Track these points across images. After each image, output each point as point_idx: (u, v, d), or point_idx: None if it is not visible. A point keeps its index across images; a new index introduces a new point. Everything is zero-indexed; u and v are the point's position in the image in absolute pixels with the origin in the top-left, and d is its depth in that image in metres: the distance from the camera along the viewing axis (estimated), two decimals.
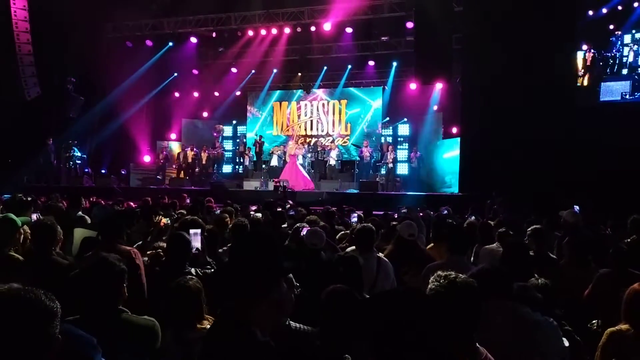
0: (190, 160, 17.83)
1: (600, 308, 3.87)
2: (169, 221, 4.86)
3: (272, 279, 1.65)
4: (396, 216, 7.70)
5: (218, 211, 6.96)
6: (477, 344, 1.93)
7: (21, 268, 3.17)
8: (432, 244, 5.13)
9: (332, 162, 17.17)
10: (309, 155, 17.69)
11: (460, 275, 1.95)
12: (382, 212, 8.39)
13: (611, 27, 13.22)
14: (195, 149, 18.20)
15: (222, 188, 14.74)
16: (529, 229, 4.81)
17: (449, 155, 16.60)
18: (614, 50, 13.15)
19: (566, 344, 2.54)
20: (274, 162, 17.65)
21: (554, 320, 2.55)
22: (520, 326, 2.39)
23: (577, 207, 7.56)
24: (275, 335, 2.34)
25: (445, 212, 8.78)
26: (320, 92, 19.83)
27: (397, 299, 1.66)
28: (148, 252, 3.80)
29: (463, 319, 1.87)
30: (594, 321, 3.80)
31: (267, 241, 1.75)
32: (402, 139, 19.15)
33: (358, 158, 17.43)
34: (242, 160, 18.91)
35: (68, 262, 3.44)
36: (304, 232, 4.46)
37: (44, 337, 1.46)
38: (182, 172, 17.93)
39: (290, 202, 10.29)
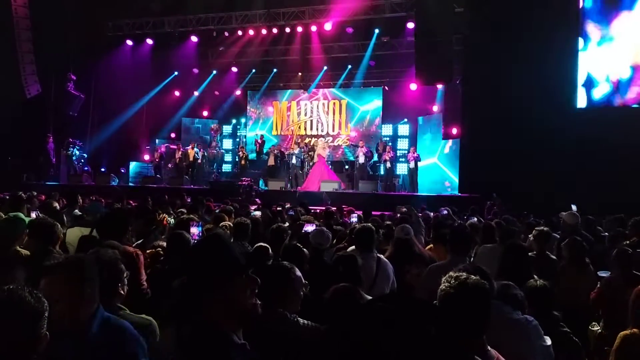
0: (192, 159, 17.82)
1: (605, 311, 3.87)
2: (172, 220, 4.87)
3: (222, 276, 1.58)
4: (398, 216, 7.70)
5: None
6: (489, 347, 1.92)
7: (27, 263, 3.17)
8: (431, 245, 5.13)
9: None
10: (303, 155, 17.62)
11: (472, 276, 1.94)
12: (379, 213, 8.39)
13: None
14: (195, 148, 18.20)
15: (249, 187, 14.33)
16: (535, 230, 4.81)
17: (447, 156, 16.64)
18: None
19: (548, 342, 2.54)
20: (271, 161, 17.63)
21: (534, 320, 2.55)
22: (499, 325, 2.39)
23: (574, 207, 7.57)
24: (283, 331, 2.35)
25: (445, 212, 8.78)
26: (320, 92, 19.84)
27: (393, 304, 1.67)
28: (148, 251, 3.80)
29: (473, 320, 1.87)
30: (594, 323, 3.81)
31: (215, 239, 1.68)
32: (401, 140, 19.15)
33: (355, 157, 17.38)
34: (241, 159, 18.89)
35: None
36: (307, 228, 4.48)
37: (31, 336, 1.49)
38: (181, 171, 17.90)
39: (258, 200, 10.21)
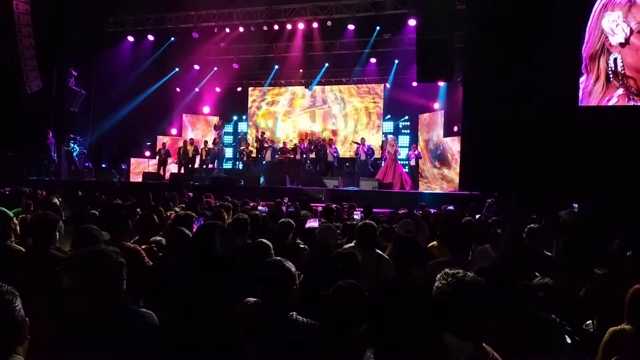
0: (190, 155, 17.82)
1: (596, 309, 3.86)
2: None
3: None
4: (400, 212, 7.70)
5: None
6: (484, 344, 1.92)
7: (19, 259, 3.16)
8: (435, 242, 5.11)
9: (330, 158, 17.10)
10: (312, 152, 17.60)
11: (468, 273, 1.92)
12: (381, 210, 8.40)
13: None
14: (195, 144, 18.19)
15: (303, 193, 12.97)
16: (526, 228, 4.80)
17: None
18: None
19: (569, 341, 2.55)
20: (268, 157, 17.63)
21: (557, 318, 2.55)
22: (525, 324, 2.38)
23: (576, 205, 7.56)
24: (282, 328, 2.35)
25: (451, 208, 8.79)
26: (322, 89, 19.80)
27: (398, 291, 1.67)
28: (143, 246, 3.79)
29: (470, 317, 1.85)
30: (588, 322, 3.80)
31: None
32: (402, 137, 19.12)
33: (356, 155, 17.33)
34: (242, 156, 18.89)
35: (65, 255, 3.42)
36: (310, 224, 4.47)
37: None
38: (182, 167, 17.91)
39: (191, 194, 9.87)
